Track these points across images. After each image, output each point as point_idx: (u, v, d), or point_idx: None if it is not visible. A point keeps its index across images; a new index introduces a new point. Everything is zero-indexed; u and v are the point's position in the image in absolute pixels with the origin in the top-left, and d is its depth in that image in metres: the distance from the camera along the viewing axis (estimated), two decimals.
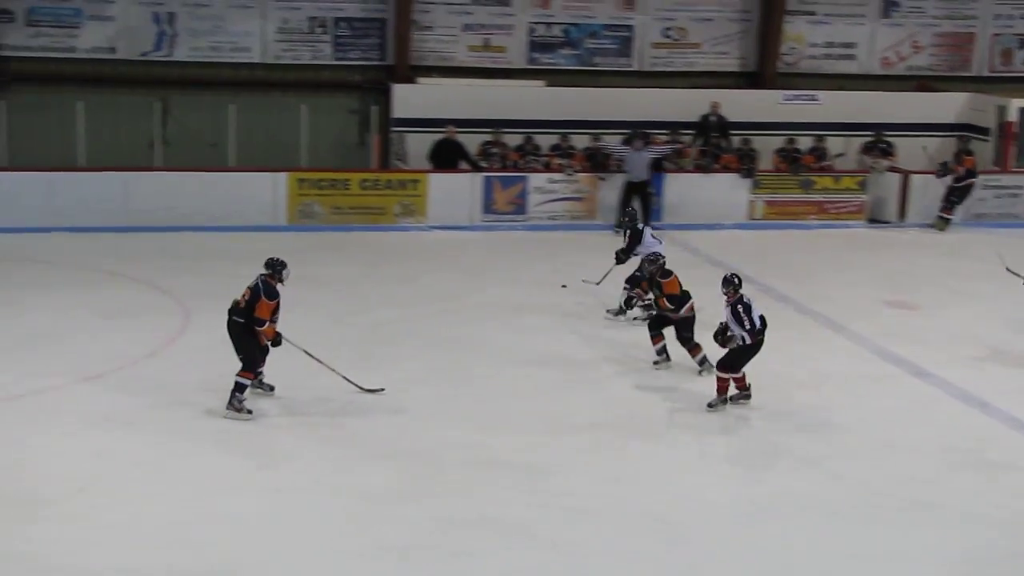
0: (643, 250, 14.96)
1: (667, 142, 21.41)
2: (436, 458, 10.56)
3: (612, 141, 21.03)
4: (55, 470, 10.04)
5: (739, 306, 11.59)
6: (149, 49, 21.68)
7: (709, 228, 20.72)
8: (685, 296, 12.85)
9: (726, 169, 21.51)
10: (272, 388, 11.81)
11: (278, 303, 11.34)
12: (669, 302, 12.83)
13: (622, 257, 15.43)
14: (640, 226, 15.58)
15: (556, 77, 22.77)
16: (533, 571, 8.69)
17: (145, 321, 14.25)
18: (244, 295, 11.33)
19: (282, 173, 20.08)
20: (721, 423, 11.62)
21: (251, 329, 11.23)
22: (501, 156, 21.03)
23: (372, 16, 22.27)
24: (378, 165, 21.55)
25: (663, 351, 13.06)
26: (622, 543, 9.10)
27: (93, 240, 18.32)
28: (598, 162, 20.93)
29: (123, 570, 8.39)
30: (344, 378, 11.99)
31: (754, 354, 11.70)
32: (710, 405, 11.74)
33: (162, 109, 21.26)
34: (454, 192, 20.46)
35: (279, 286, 11.42)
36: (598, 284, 15.84)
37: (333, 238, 19.34)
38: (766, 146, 21.90)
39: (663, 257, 13.29)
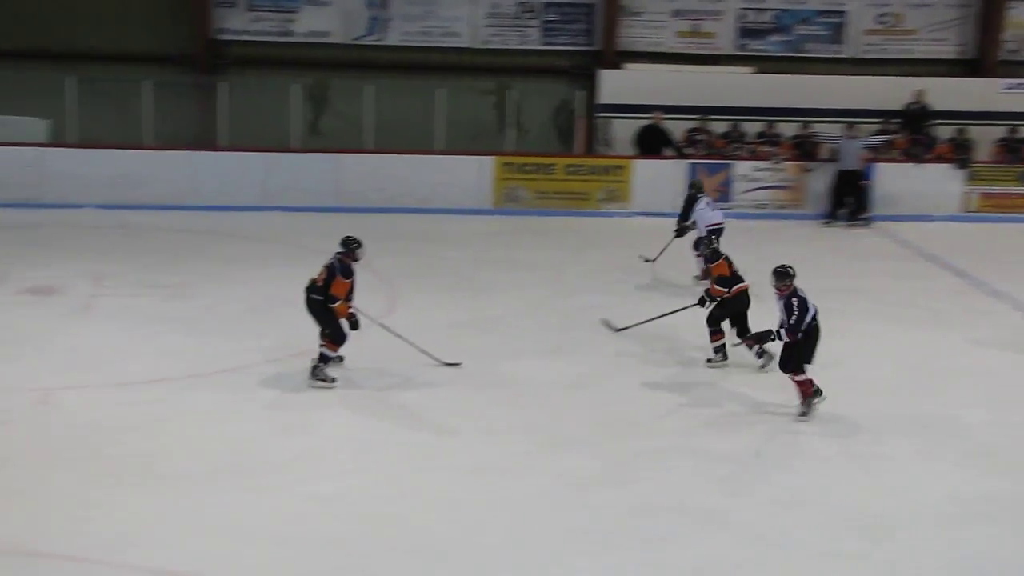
0: (698, 219, 15.33)
1: (878, 132, 20.92)
2: (634, 444, 10.54)
3: (822, 129, 20.68)
4: (262, 442, 10.37)
5: (794, 299, 10.86)
6: (362, 33, 22.19)
7: (920, 219, 20.17)
8: (735, 279, 12.35)
9: (939, 160, 20.89)
10: (342, 359, 11.97)
11: (353, 282, 11.52)
12: (720, 285, 12.36)
13: (679, 227, 15.69)
14: (697, 195, 15.63)
15: (765, 64, 22.48)
16: (731, 561, 8.61)
17: (354, 299, 14.55)
18: (321, 274, 11.53)
19: (488, 157, 20.32)
20: (924, 420, 11.29)
21: (327, 305, 11.45)
22: (707, 143, 20.87)
23: (580, 1, 22.33)
24: (583, 150, 21.61)
25: (761, 353, 12.34)
26: (823, 537, 8.95)
27: (304, 219, 18.84)
28: (806, 151, 20.59)
29: (324, 541, 8.61)
30: (423, 352, 12.16)
31: (812, 347, 10.96)
32: (803, 414, 11.07)
33: (310, 95, 21.67)
34: (658, 178, 20.39)
35: (354, 264, 11.59)
36: (654, 261, 16.00)
37: (537, 222, 19.48)
38: (984, 136, 21.19)
39: (716, 242, 12.79)
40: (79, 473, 9.58)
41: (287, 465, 9.88)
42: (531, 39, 22.48)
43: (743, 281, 12.41)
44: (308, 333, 13.05)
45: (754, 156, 20.73)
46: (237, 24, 22.07)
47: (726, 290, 12.36)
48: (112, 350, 12.41)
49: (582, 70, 22.30)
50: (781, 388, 11.65)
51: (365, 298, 14.47)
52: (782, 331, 10.99)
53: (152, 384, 11.54)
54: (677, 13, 22.47)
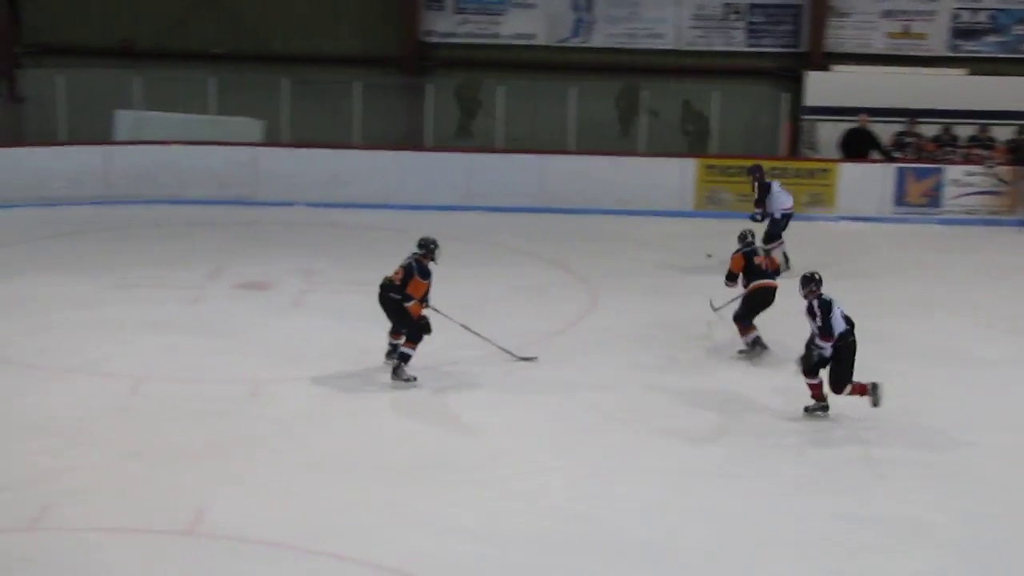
0: (772, 203, 15.88)
1: None
2: (837, 453, 10.41)
3: None
4: (468, 438, 10.55)
5: (814, 301, 10.82)
6: (567, 36, 22.29)
7: None
8: (758, 275, 12.62)
9: None
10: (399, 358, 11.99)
11: (430, 284, 11.61)
12: (729, 279, 12.85)
13: (757, 213, 16.14)
14: (767, 180, 16.04)
15: (979, 65, 21.74)
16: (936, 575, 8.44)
17: (554, 299, 14.70)
18: (397, 273, 11.63)
19: (691, 159, 20.22)
20: None
21: (404, 304, 11.52)
22: (916, 146, 20.36)
23: (787, 2, 22.00)
24: (787, 153, 21.31)
25: (754, 343, 12.74)
26: None
27: (506, 219, 19.04)
28: (1021, 155, 19.90)
29: (524, 539, 8.71)
30: (500, 348, 12.25)
31: (847, 360, 10.81)
32: (814, 410, 11.07)
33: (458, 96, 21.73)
34: (865, 182, 20.00)
35: (431, 265, 11.65)
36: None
37: (739, 226, 19.16)
38: None
39: (752, 236, 13.31)
40: (285, 463, 9.92)
41: (489, 461, 10.03)
42: (736, 41, 22.23)
43: (767, 279, 12.68)
44: (508, 333, 13.25)
45: (966, 160, 20.13)
46: (444, 27, 22.41)
47: (732, 284, 12.86)
48: (319, 345, 12.76)
49: (787, 72, 21.97)
50: (992, 398, 11.33)
51: (565, 297, 14.62)
52: (817, 340, 10.82)
53: (356, 378, 11.86)
54: (887, 14, 21.91)
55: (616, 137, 21.67)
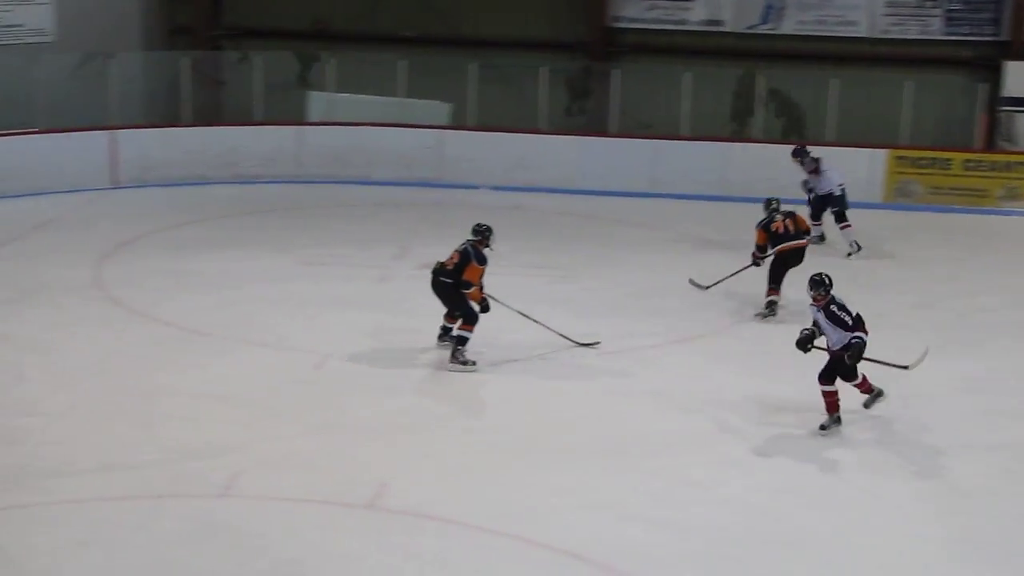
0: (827, 182, 16.30)
1: None
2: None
3: None
4: (639, 425, 10.53)
5: (832, 306, 10.27)
6: (756, 22, 22.01)
7: None
8: (783, 238, 13.30)
9: None
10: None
11: (485, 268, 11.59)
12: (759, 251, 13.56)
13: (810, 197, 16.58)
14: (817, 160, 16.51)
15: None
16: None
17: (733, 289, 14.53)
18: (452, 258, 11.63)
19: (881, 150, 19.78)
20: None
21: (459, 289, 11.49)
22: None
23: None
24: (983, 145, 20.68)
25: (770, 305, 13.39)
26: None
27: (689, 207, 18.93)
28: None
29: (700, 527, 8.67)
30: (560, 335, 12.18)
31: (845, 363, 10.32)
32: (823, 427, 10.36)
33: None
34: None
35: (487, 251, 11.66)
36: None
37: (929, 219, 18.82)
38: None
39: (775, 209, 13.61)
40: (466, 442, 10.09)
41: (666, 449, 10.01)
42: (932, 29, 21.62)
43: (792, 240, 13.37)
44: (688, 321, 13.19)
45: None
46: (632, 12, 22.34)
47: (761, 255, 13.54)
48: (502, 327, 12.84)
49: (986, 61, 21.30)
50: None
51: (745, 287, 14.45)
52: (858, 335, 10.26)
53: (536, 362, 11.94)
54: None
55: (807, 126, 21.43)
